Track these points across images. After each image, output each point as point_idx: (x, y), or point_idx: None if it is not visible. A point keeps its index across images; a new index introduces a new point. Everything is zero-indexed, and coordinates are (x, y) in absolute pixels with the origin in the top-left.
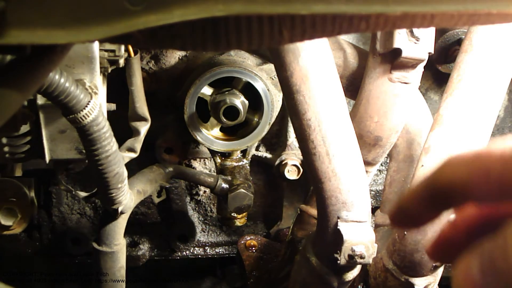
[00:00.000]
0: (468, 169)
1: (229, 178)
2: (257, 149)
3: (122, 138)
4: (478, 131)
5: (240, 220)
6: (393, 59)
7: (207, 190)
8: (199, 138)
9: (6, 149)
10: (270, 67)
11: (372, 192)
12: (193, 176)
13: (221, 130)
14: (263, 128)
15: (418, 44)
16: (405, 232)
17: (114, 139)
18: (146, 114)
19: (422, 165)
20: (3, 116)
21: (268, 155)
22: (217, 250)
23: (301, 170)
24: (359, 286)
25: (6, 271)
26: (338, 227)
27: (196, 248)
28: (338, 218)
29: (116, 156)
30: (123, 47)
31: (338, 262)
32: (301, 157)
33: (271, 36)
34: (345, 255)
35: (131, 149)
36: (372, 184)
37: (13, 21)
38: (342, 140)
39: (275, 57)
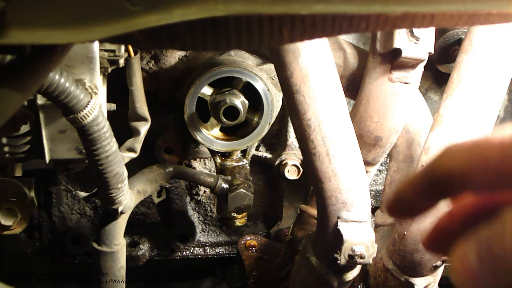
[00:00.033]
0: (467, 158)
1: (229, 178)
2: (257, 149)
3: (122, 138)
4: (478, 131)
5: (240, 220)
6: (393, 59)
7: (207, 190)
8: (199, 138)
9: (6, 149)
10: (270, 67)
11: (372, 192)
12: (193, 176)
13: (221, 130)
14: (263, 128)
15: (418, 44)
16: (405, 232)
17: (114, 139)
18: (146, 114)
19: (422, 165)
20: (3, 116)
21: (268, 155)
22: (217, 250)
23: (301, 170)
24: (359, 286)
25: (6, 271)
26: (338, 227)
27: (196, 248)
28: (338, 218)
29: (116, 156)
30: (123, 47)
31: (338, 262)
32: (301, 157)
33: (271, 36)
34: (345, 255)
35: (131, 149)
36: (372, 184)
37: (13, 21)
38: (342, 140)
39: (275, 57)
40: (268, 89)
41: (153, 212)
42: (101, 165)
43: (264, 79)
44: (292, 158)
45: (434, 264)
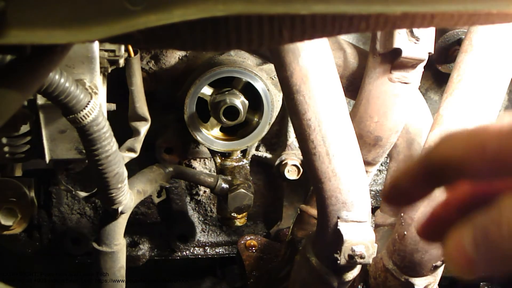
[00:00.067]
0: (464, 145)
1: (229, 178)
2: (257, 149)
3: (122, 138)
4: None
5: (240, 220)
6: (393, 59)
7: (207, 190)
8: (199, 138)
9: (6, 149)
10: (270, 67)
11: (372, 192)
12: (193, 176)
13: (221, 130)
14: (263, 128)
15: (418, 44)
16: (405, 232)
17: (114, 139)
18: (146, 114)
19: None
20: (3, 116)
21: (268, 155)
22: (217, 250)
23: (301, 170)
24: (359, 286)
25: (6, 271)
26: (338, 227)
27: (196, 248)
28: (338, 218)
29: (116, 156)
30: (123, 47)
31: (338, 262)
32: (301, 157)
33: (271, 36)
34: (345, 255)
35: (131, 149)
36: (372, 184)
37: (13, 21)
38: (342, 140)
39: (275, 57)
40: (268, 89)
41: (153, 212)
42: (101, 165)
43: (264, 79)
44: (292, 158)
45: (434, 264)
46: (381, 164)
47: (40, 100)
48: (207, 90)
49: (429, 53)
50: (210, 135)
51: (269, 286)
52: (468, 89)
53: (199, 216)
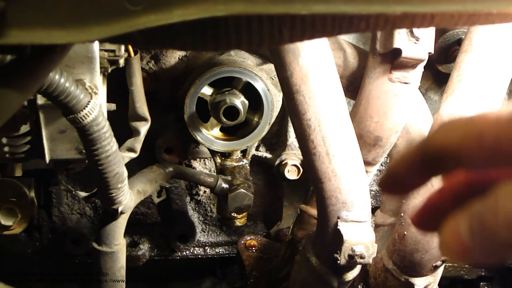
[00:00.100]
0: (462, 134)
1: (229, 178)
2: (257, 149)
3: (122, 138)
4: None
5: (240, 220)
6: (393, 59)
7: (207, 190)
8: (199, 138)
9: (6, 149)
10: (270, 67)
11: (372, 192)
12: (193, 176)
13: (221, 130)
14: (263, 128)
15: (418, 44)
16: (405, 232)
17: (114, 139)
18: (146, 114)
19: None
20: (3, 116)
21: (268, 155)
22: (217, 250)
23: (301, 170)
24: (359, 286)
25: (6, 271)
26: (338, 227)
27: (196, 248)
28: (338, 218)
29: (116, 156)
30: (123, 47)
31: (338, 262)
32: (301, 157)
33: (271, 36)
34: (345, 255)
35: (131, 149)
36: (372, 184)
37: (13, 21)
38: (342, 140)
39: (275, 57)
40: (268, 89)
41: (153, 212)
42: (101, 165)
43: (264, 79)
44: (292, 158)
45: (434, 264)
46: (381, 164)
47: (40, 100)
48: (207, 90)
49: (429, 53)
50: (210, 135)
51: (269, 286)
52: (468, 89)
53: (199, 216)
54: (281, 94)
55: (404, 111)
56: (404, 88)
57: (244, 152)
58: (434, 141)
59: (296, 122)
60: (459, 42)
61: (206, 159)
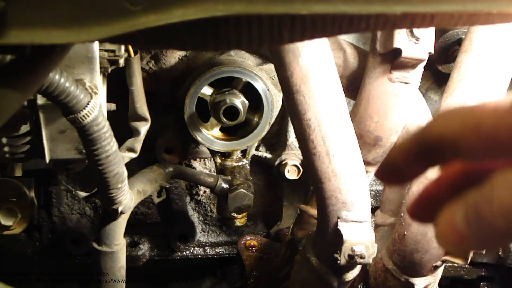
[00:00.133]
0: (459, 124)
1: (229, 178)
2: (257, 149)
3: (122, 138)
4: None
5: (240, 220)
6: (393, 59)
7: (207, 190)
8: (199, 138)
9: (6, 149)
10: (270, 67)
11: (372, 192)
12: (193, 176)
13: (221, 130)
14: (263, 128)
15: (418, 44)
16: (405, 232)
17: (114, 139)
18: (146, 114)
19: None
20: (3, 116)
21: (268, 155)
22: (217, 250)
23: (301, 170)
24: (359, 286)
25: (6, 271)
26: (338, 227)
27: (196, 248)
28: (338, 218)
29: (116, 156)
30: (123, 47)
31: (338, 262)
32: (301, 157)
33: (271, 36)
34: (345, 255)
35: (131, 149)
36: (372, 184)
37: (13, 21)
38: (342, 140)
39: (275, 57)
40: (268, 89)
41: (153, 212)
42: (101, 165)
43: (264, 79)
44: (292, 158)
45: (434, 264)
46: None
47: (40, 100)
48: (207, 90)
49: (429, 53)
50: (210, 135)
51: (269, 286)
52: (468, 89)
53: (199, 216)
54: (281, 94)
55: (404, 111)
56: (404, 88)
57: (244, 152)
58: (432, 130)
59: (296, 122)
60: (459, 42)
61: (206, 159)
